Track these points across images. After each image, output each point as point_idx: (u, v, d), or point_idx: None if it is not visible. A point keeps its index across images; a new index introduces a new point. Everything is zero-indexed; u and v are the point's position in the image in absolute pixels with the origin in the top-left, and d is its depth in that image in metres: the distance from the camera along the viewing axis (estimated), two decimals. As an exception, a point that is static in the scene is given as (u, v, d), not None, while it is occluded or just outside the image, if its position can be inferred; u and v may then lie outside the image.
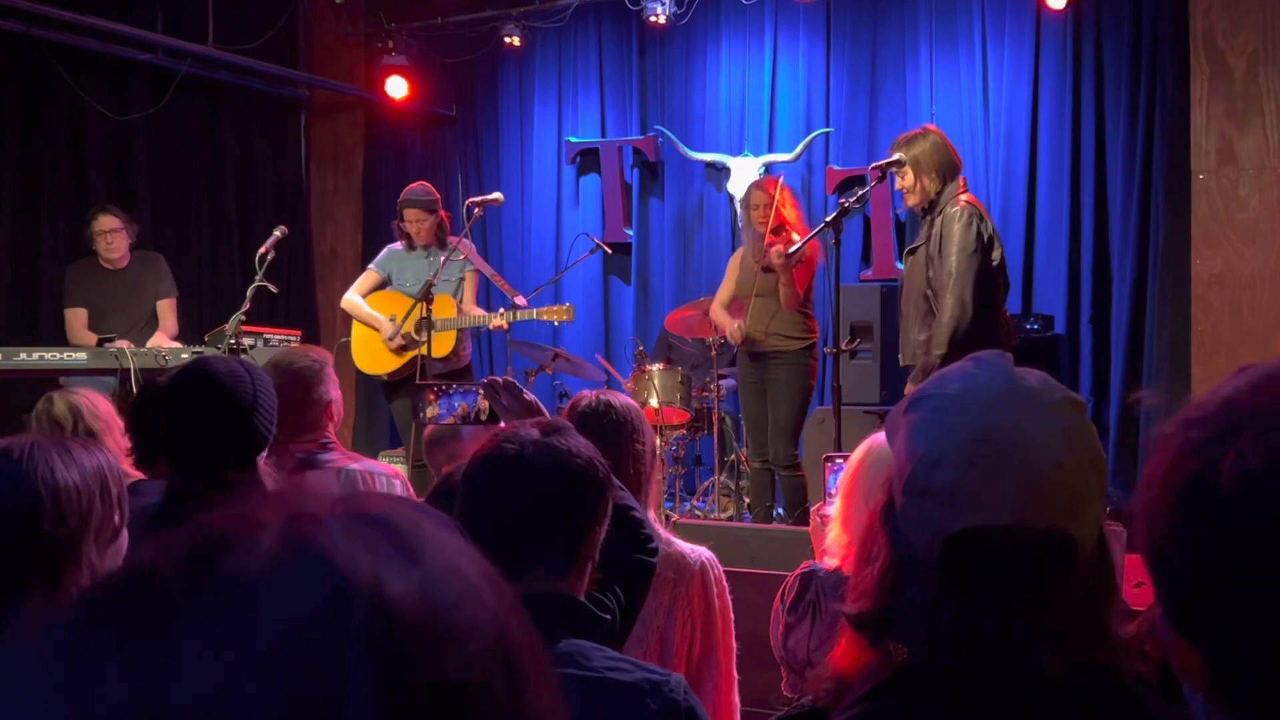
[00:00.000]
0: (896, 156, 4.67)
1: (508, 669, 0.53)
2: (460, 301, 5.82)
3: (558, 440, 1.65)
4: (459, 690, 0.51)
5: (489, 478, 1.63)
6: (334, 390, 3.14)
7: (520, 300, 5.67)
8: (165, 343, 5.61)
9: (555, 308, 5.64)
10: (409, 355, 5.66)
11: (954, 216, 4.48)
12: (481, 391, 2.48)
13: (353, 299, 5.93)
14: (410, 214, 5.82)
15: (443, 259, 5.58)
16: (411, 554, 0.53)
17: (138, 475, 2.77)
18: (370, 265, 6.03)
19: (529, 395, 2.20)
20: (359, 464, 3.07)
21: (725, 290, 5.81)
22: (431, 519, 0.57)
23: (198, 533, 0.54)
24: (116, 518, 1.67)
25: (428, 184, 6.04)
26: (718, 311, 5.75)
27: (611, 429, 2.29)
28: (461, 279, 5.86)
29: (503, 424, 2.04)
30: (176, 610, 0.49)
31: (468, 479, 1.65)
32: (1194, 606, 0.82)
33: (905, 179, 4.67)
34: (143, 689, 0.47)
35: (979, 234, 4.49)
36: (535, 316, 5.62)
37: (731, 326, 5.55)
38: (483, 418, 2.54)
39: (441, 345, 5.57)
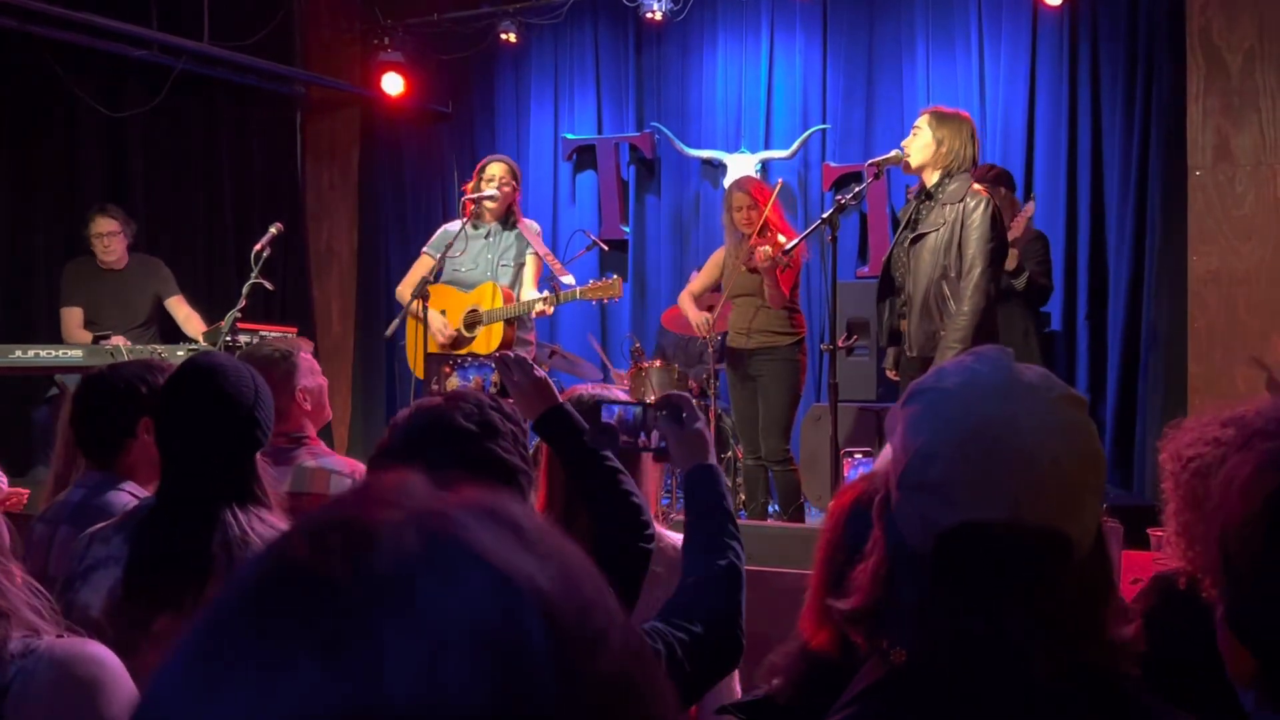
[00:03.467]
0: (919, 126, 4.53)
1: (639, 658, 0.55)
2: (520, 289, 5.31)
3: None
4: (616, 681, 0.52)
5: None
6: (304, 379, 3.08)
7: (568, 279, 5.05)
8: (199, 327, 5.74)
9: (601, 283, 5.06)
10: (459, 352, 5.20)
11: (975, 205, 4.38)
12: (494, 366, 2.56)
13: (405, 292, 5.46)
14: (496, 170, 5.35)
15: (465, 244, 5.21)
16: (537, 548, 0.53)
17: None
18: (424, 249, 5.52)
19: (539, 372, 2.23)
20: (315, 460, 3.00)
21: (699, 282, 5.85)
22: (528, 508, 0.57)
23: (325, 527, 0.52)
24: None
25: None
26: (685, 301, 5.78)
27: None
28: (522, 264, 5.37)
29: (512, 399, 2.12)
30: (358, 608, 0.48)
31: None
32: (1256, 613, 0.80)
33: (918, 138, 4.50)
34: (350, 685, 0.47)
35: (996, 223, 4.40)
36: (578, 296, 5.04)
37: (699, 319, 5.60)
38: (494, 391, 2.59)
39: (488, 340, 5.21)
